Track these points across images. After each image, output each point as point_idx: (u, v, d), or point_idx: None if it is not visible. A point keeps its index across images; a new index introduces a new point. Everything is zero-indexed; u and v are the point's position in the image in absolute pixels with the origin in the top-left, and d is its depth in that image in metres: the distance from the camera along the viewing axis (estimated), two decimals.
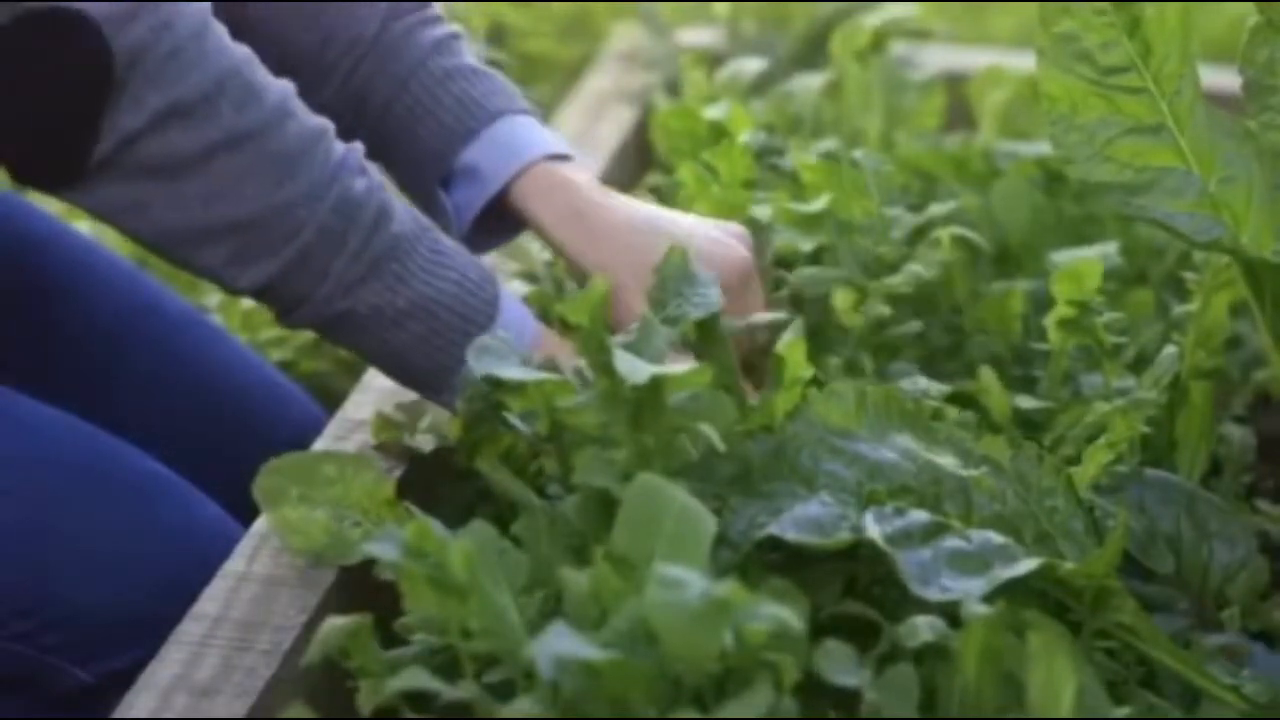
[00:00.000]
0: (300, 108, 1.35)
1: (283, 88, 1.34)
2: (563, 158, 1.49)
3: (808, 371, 1.32)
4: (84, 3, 1.26)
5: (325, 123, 1.36)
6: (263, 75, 1.33)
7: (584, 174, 1.49)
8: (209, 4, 1.32)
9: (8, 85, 1.29)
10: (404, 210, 1.38)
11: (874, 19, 2.12)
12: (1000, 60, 2.16)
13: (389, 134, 1.52)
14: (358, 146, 1.37)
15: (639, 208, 1.48)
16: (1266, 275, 1.34)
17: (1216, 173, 1.34)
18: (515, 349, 1.27)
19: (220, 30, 1.32)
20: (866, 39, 2.09)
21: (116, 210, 1.33)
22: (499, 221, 1.49)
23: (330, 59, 1.53)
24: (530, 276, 1.69)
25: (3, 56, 1.28)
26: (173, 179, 1.31)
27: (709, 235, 1.45)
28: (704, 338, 1.34)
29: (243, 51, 1.33)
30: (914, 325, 1.64)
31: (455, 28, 1.56)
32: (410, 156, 1.51)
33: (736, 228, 1.49)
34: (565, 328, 1.37)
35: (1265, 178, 1.35)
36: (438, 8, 1.57)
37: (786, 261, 1.69)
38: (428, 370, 1.38)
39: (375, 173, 1.38)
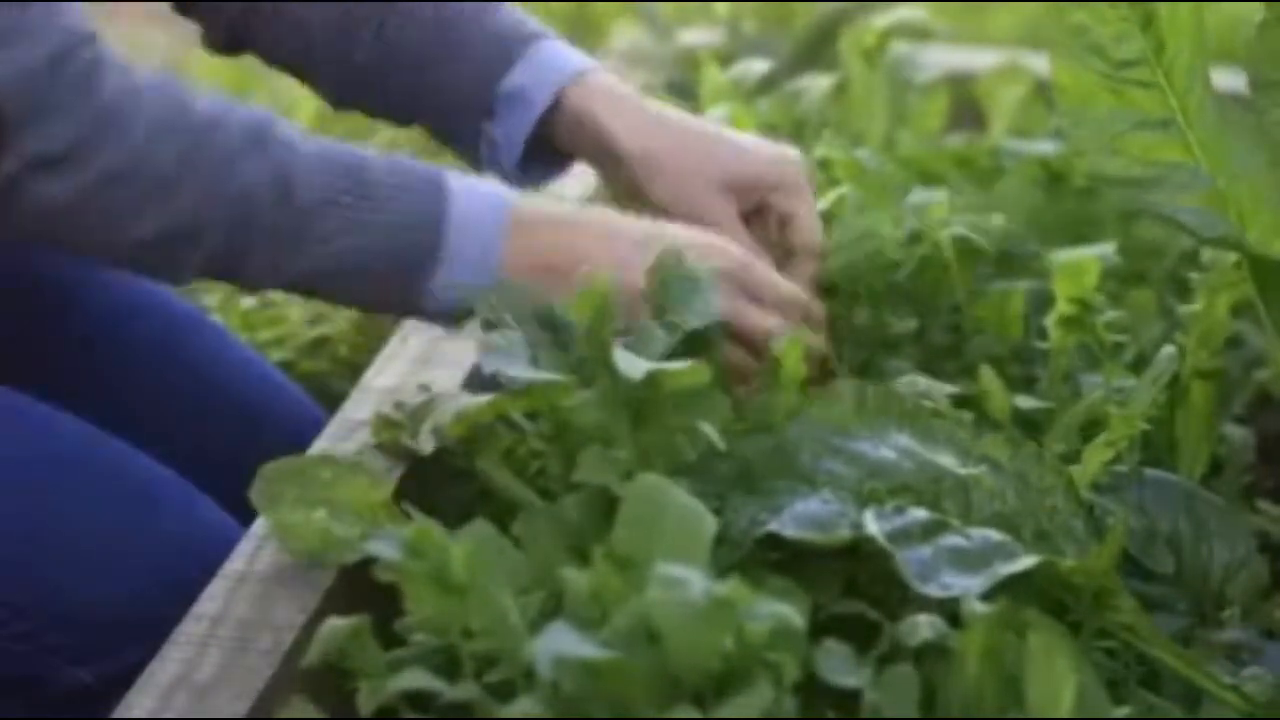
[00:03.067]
0: (180, 114, 1.34)
1: (159, 102, 1.33)
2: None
3: (806, 371, 1.32)
4: None
5: (214, 115, 1.35)
6: (136, 103, 1.33)
7: None
8: (99, 44, 1.32)
9: None
10: (312, 167, 1.36)
11: (883, 20, 2.12)
12: (1005, 59, 2.16)
13: (427, 84, 1.53)
14: (252, 119, 1.36)
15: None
16: (1273, 273, 1.34)
17: (1225, 169, 1.34)
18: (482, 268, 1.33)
19: (110, 67, 1.32)
20: (874, 39, 2.09)
21: (29, 239, 1.40)
22: (550, 153, 1.51)
23: (355, 22, 1.54)
24: None
25: None
26: (59, 219, 1.33)
27: (765, 147, 1.51)
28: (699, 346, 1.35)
29: (119, 83, 1.32)
30: (910, 324, 1.65)
31: None
32: (453, 99, 1.52)
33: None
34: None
35: (1273, 175, 1.35)
36: None
37: None
38: (388, 306, 1.41)
39: (277, 142, 1.36)
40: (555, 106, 1.50)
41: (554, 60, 1.52)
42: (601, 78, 1.52)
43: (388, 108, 1.57)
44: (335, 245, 1.36)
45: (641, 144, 1.48)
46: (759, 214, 1.50)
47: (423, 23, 1.53)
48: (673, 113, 1.52)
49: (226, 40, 1.61)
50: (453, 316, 1.39)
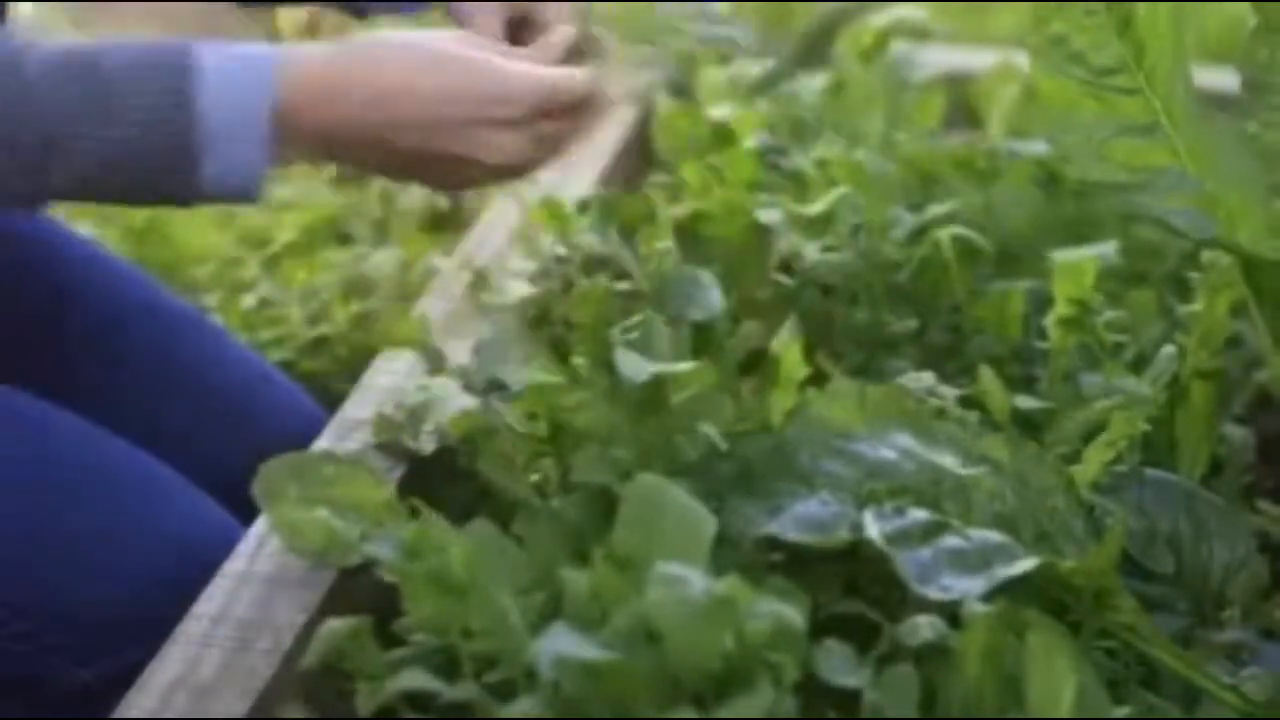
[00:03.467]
0: None
1: None
2: None
3: (804, 370, 1.32)
4: None
5: None
6: None
7: None
8: None
9: None
10: (43, 85, 1.29)
11: (881, 19, 2.12)
12: (1004, 59, 2.16)
13: None
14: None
15: None
16: (1265, 274, 1.34)
17: (1212, 171, 1.34)
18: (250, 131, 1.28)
19: None
20: (872, 39, 2.09)
21: None
22: None
23: None
24: (541, 273, 1.69)
25: None
26: None
27: None
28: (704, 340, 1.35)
29: None
30: (910, 324, 1.65)
31: None
32: None
33: None
34: None
35: (1265, 177, 1.35)
36: None
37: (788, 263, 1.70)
38: (171, 199, 1.35)
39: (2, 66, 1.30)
40: None
41: None
42: None
43: None
44: (85, 153, 1.30)
45: None
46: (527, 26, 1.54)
47: None
48: None
49: None
50: (248, 194, 1.34)
